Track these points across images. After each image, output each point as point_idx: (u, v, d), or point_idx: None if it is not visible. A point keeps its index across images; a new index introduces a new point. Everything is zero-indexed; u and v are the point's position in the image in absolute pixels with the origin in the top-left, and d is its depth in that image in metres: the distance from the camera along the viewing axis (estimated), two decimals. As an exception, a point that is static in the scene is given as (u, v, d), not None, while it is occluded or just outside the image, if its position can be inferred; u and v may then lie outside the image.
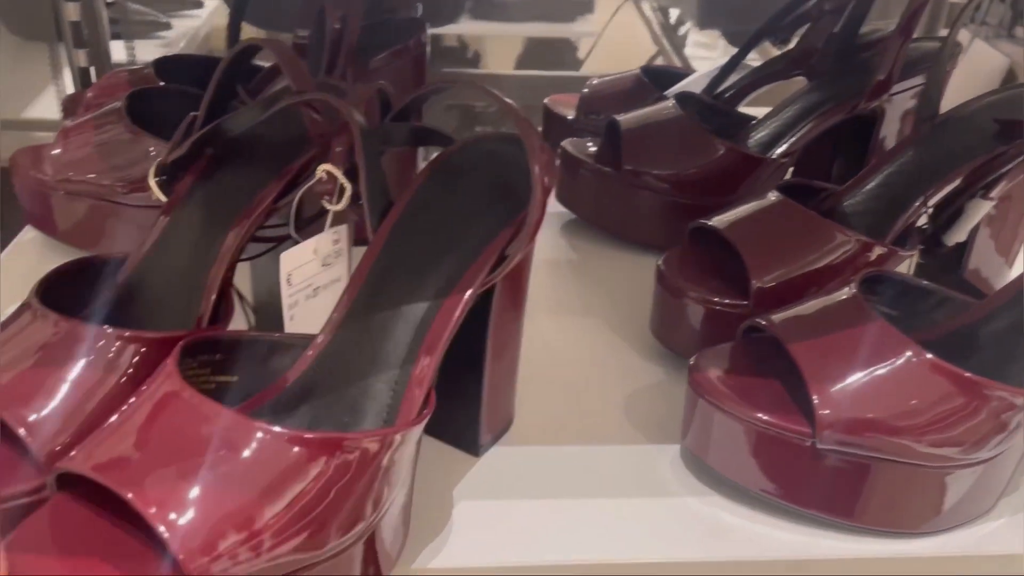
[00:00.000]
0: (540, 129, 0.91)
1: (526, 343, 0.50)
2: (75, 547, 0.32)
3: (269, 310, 0.58)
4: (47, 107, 1.07)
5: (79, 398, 0.39)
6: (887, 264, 0.56)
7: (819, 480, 0.44)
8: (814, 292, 0.51)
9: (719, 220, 0.57)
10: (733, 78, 0.80)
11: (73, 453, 0.34)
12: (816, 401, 0.42)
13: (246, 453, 0.33)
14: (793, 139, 0.72)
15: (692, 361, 0.48)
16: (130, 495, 0.31)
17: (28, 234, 0.69)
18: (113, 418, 0.35)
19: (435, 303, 0.43)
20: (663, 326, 0.58)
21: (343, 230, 0.48)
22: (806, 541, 0.45)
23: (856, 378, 0.43)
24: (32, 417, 0.38)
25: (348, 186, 0.44)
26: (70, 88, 0.96)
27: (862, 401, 0.42)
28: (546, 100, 0.90)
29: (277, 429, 0.34)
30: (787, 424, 0.43)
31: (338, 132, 0.45)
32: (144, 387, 0.36)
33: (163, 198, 0.48)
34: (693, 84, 0.82)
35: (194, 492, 0.32)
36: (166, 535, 0.31)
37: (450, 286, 0.43)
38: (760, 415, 0.44)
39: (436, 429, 0.48)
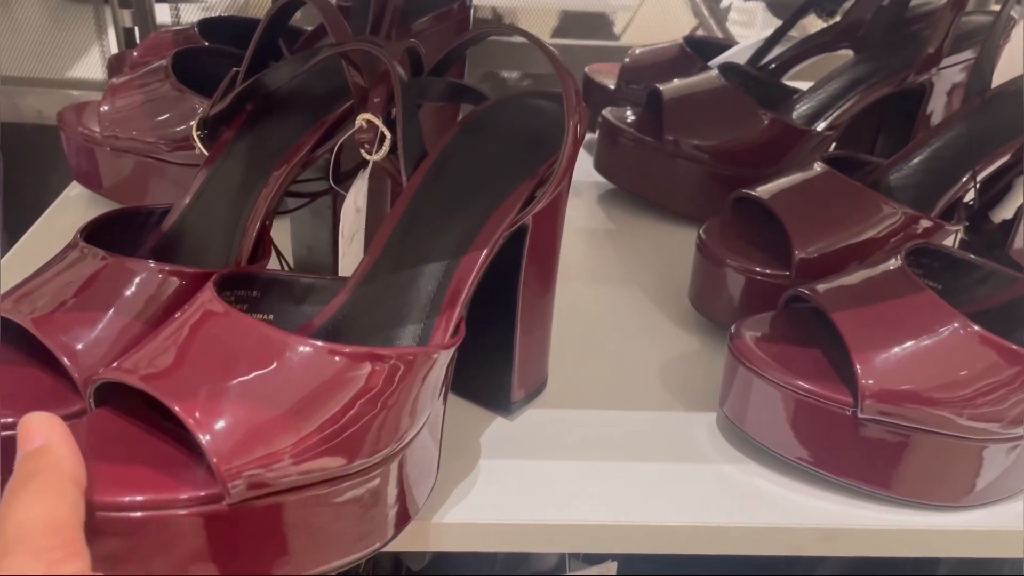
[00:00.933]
0: (579, 98, 0.90)
1: (562, 310, 0.50)
2: (109, 453, 0.33)
3: (308, 267, 0.59)
4: (91, 67, 1.08)
5: (120, 328, 0.40)
6: (932, 239, 0.55)
7: (858, 450, 0.43)
8: (857, 264, 0.51)
9: (763, 190, 0.57)
10: (777, 50, 0.79)
11: (114, 365, 0.35)
12: (859, 370, 0.42)
13: (283, 364, 0.34)
14: (838, 112, 0.71)
15: (733, 328, 0.48)
16: (169, 400, 0.32)
17: (74, 190, 0.71)
18: (151, 337, 0.36)
19: (464, 243, 0.43)
20: (702, 295, 0.57)
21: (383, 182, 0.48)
22: (841, 511, 0.44)
23: (900, 348, 0.43)
24: (75, 345, 0.39)
25: (388, 134, 0.44)
26: (114, 48, 0.97)
27: (906, 372, 0.42)
28: (587, 69, 0.89)
29: (317, 342, 0.34)
30: (828, 393, 0.43)
31: (376, 82, 0.45)
32: (179, 312, 0.37)
33: (205, 152, 0.49)
34: (737, 55, 0.81)
35: (231, 401, 0.32)
36: (203, 439, 0.31)
37: (479, 227, 0.43)
38: (801, 383, 0.43)
39: (469, 391, 0.49)
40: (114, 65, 0.80)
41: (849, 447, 0.44)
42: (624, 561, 0.68)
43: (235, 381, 0.33)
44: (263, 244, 0.48)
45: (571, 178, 0.46)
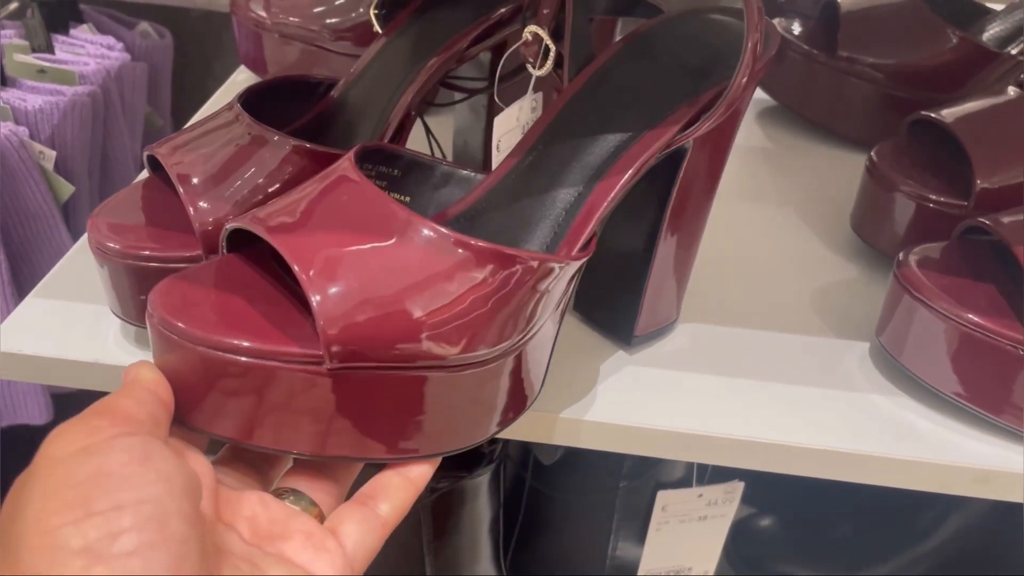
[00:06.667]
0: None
1: (714, 226, 0.48)
2: (230, 297, 0.34)
3: (462, 158, 0.59)
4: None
5: (248, 193, 0.42)
6: None
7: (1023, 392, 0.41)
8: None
9: (946, 112, 0.53)
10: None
11: (249, 215, 0.36)
12: (1040, 308, 0.39)
13: (406, 244, 0.33)
14: (1036, 35, 0.65)
15: (900, 255, 0.45)
16: (290, 256, 0.32)
17: (240, 75, 0.73)
18: (287, 194, 0.36)
19: (610, 159, 0.41)
20: (867, 221, 0.55)
21: (540, 98, 0.47)
22: (998, 454, 0.42)
23: (1090, 289, 0.40)
24: (200, 200, 0.41)
25: (553, 48, 0.43)
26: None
27: (1093, 314, 0.39)
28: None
29: (444, 230, 0.34)
30: (999, 329, 0.41)
31: (548, -9, 0.44)
32: (317, 176, 0.37)
33: (379, 29, 0.50)
34: (925, -33, 0.75)
35: (348, 269, 0.32)
36: (314, 300, 0.32)
37: (629, 144, 0.41)
38: (970, 316, 0.41)
39: (593, 314, 0.48)
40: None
41: (1014, 387, 0.41)
42: (751, 483, 0.68)
43: (356, 249, 0.33)
44: (403, 133, 0.48)
45: (744, 107, 0.43)
